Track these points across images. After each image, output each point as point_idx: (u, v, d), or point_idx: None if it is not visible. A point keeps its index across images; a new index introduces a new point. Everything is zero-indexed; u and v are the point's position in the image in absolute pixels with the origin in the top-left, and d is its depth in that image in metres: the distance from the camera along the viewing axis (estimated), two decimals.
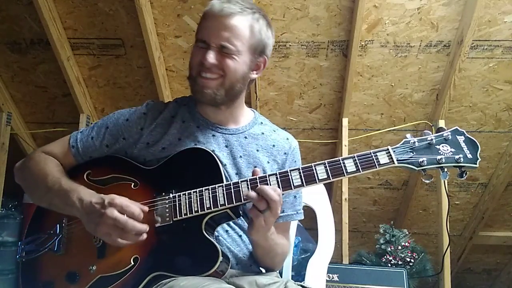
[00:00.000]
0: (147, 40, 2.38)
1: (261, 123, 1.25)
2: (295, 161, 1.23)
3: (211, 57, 1.07)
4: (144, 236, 0.95)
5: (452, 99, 2.47)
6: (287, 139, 1.24)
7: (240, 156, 1.15)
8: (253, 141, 1.18)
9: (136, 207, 0.96)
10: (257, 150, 1.17)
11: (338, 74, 2.51)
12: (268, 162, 1.18)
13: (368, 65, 2.46)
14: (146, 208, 0.99)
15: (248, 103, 2.57)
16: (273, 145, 1.20)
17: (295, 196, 1.21)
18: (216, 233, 1.07)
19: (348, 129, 2.60)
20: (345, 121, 2.60)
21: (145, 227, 0.95)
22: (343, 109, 2.57)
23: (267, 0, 2.28)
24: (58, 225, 1.09)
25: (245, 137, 1.18)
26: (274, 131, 1.25)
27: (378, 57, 2.43)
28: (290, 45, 2.42)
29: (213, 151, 1.10)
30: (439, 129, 1.02)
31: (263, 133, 1.21)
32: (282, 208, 1.14)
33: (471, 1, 2.14)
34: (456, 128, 1.02)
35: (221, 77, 1.10)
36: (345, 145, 2.56)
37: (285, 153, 1.21)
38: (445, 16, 2.26)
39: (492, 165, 2.74)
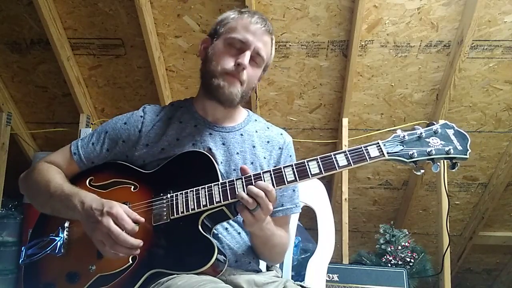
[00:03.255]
0: (147, 40, 2.39)
1: (255, 120, 1.29)
2: (290, 156, 1.26)
3: (248, 59, 1.12)
4: (137, 251, 0.97)
5: (452, 99, 2.47)
6: (281, 134, 1.28)
7: (237, 153, 1.18)
8: (249, 137, 1.22)
9: (130, 222, 0.97)
10: (253, 147, 1.21)
11: (338, 74, 2.51)
12: (265, 158, 1.21)
13: (368, 65, 2.46)
14: (142, 219, 1.01)
15: (248, 103, 2.58)
16: (268, 141, 1.24)
17: (293, 190, 1.24)
18: (215, 231, 1.09)
19: (348, 129, 2.60)
20: (345, 121, 2.60)
21: (137, 242, 0.96)
22: (343, 109, 2.57)
23: (267, 0, 2.28)
24: (60, 228, 1.11)
25: (241, 134, 1.22)
26: (268, 128, 1.29)
27: (378, 57, 2.43)
28: (290, 45, 2.42)
29: (210, 148, 1.15)
30: (429, 124, 1.04)
31: (257, 131, 1.25)
32: (281, 201, 1.20)
33: (471, 1, 2.14)
34: (446, 122, 1.04)
35: (243, 82, 1.14)
36: (345, 145, 2.56)
37: (280, 148, 1.25)
38: (445, 16, 2.26)
39: (492, 165, 2.74)
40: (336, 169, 1.00)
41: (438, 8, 2.23)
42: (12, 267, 2.72)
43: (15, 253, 2.74)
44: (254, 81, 1.20)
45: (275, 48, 2.39)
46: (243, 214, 0.99)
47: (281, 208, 1.21)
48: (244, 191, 0.99)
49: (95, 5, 2.39)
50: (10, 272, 2.71)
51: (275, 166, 1.21)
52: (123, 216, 0.96)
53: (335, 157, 1.00)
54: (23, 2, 2.42)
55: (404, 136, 1.01)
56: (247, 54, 1.12)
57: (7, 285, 2.68)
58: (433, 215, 2.98)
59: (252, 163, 1.18)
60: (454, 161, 1.00)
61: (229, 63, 1.12)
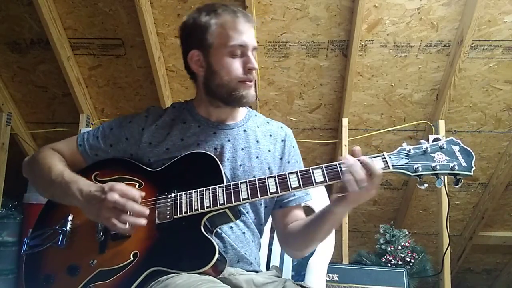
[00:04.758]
0: (147, 40, 2.39)
1: (255, 115, 1.32)
2: (293, 146, 1.29)
3: (254, 60, 1.14)
4: (144, 221, 0.98)
5: (452, 99, 2.47)
6: (281, 127, 1.31)
7: (242, 149, 1.19)
8: (252, 133, 1.24)
9: (135, 191, 1.00)
10: (257, 141, 1.23)
11: (338, 74, 2.51)
12: (269, 151, 1.23)
13: (368, 65, 2.46)
14: (143, 193, 1.02)
15: None
16: (270, 135, 1.26)
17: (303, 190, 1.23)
18: (219, 230, 1.10)
19: (348, 129, 2.60)
20: (345, 121, 2.60)
21: (144, 209, 0.98)
22: (343, 109, 2.57)
23: (267, 0, 2.28)
24: (63, 220, 1.12)
25: (244, 130, 1.24)
26: (268, 122, 1.31)
27: (378, 57, 2.43)
28: (290, 45, 2.42)
29: (215, 148, 1.17)
30: (435, 139, 1.05)
31: (258, 126, 1.27)
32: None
33: (471, 1, 2.14)
34: (452, 138, 1.05)
35: (254, 79, 1.18)
36: (345, 145, 2.56)
37: (282, 140, 1.27)
38: (445, 16, 2.26)
39: (492, 165, 2.74)
40: (341, 179, 1.00)
41: (438, 8, 2.23)
42: (12, 267, 2.71)
43: (15, 253, 2.73)
44: None
45: (275, 48, 2.42)
46: (352, 193, 0.96)
47: (293, 197, 1.22)
48: (248, 194, 1.01)
49: (95, 5, 2.39)
50: (10, 272, 2.70)
51: (281, 158, 1.24)
52: (127, 188, 0.99)
53: (340, 166, 1.00)
54: (23, 2, 2.42)
55: (409, 150, 1.02)
56: (251, 56, 1.14)
57: (7, 285, 2.68)
58: (433, 215, 2.98)
59: (257, 157, 1.19)
60: (458, 177, 1.00)
61: (240, 71, 1.13)
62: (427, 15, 2.26)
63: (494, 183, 2.76)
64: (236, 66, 1.13)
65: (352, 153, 1.00)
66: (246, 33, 1.13)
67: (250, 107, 1.35)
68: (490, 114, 2.56)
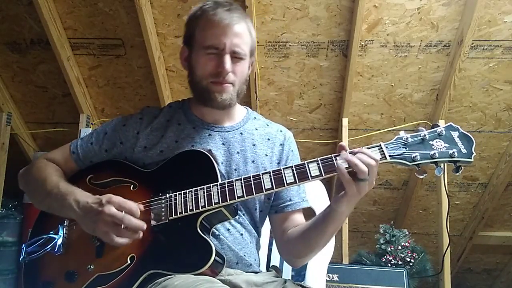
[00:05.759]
0: (147, 40, 2.39)
1: (255, 118, 1.28)
2: (292, 150, 1.25)
3: (229, 63, 1.10)
4: (141, 234, 0.97)
5: (452, 99, 2.47)
6: (281, 131, 1.28)
7: (238, 152, 1.17)
8: (249, 136, 1.21)
9: (133, 204, 0.99)
10: (254, 145, 1.20)
11: (338, 74, 2.51)
12: (266, 155, 1.20)
13: (368, 65, 2.46)
14: (141, 207, 1.02)
15: (248, 103, 2.58)
16: (268, 139, 1.23)
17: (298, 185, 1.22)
18: (216, 232, 1.09)
19: (348, 129, 2.60)
20: (345, 121, 2.60)
21: (141, 223, 0.97)
22: (343, 109, 2.57)
23: (267, 0, 2.28)
24: (59, 226, 1.11)
25: (241, 133, 1.21)
26: (267, 125, 1.28)
27: (378, 57, 2.43)
28: (290, 45, 2.42)
29: (209, 150, 1.13)
30: (434, 126, 1.01)
31: (257, 129, 1.24)
32: (289, 196, 1.19)
33: (471, 1, 2.14)
34: (450, 124, 1.01)
35: (234, 83, 1.14)
36: None
37: (280, 145, 1.24)
38: (445, 16, 2.26)
39: (492, 165, 2.74)
40: (336, 171, 0.97)
41: (438, 8, 2.23)
42: (12, 267, 2.72)
43: (15, 253, 2.74)
44: (244, 75, 1.17)
45: (275, 48, 2.42)
46: (348, 185, 0.95)
47: (289, 202, 1.20)
48: (243, 192, 0.99)
49: (95, 5, 2.39)
50: (10, 272, 2.71)
51: (278, 163, 1.21)
52: (124, 200, 0.98)
53: (336, 159, 0.98)
54: (23, 2, 2.42)
55: (407, 138, 0.98)
56: (226, 58, 1.10)
57: (7, 285, 2.68)
58: (433, 215, 2.98)
59: (253, 161, 1.17)
60: (458, 164, 0.96)
61: (211, 70, 1.12)
62: (427, 15, 2.26)
63: (494, 183, 2.76)
64: (210, 64, 1.12)
65: (339, 149, 1.00)
66: (226, 35, 1.10)
67: (250, 107, 1.34)
68: (490, 114, 2.56)
